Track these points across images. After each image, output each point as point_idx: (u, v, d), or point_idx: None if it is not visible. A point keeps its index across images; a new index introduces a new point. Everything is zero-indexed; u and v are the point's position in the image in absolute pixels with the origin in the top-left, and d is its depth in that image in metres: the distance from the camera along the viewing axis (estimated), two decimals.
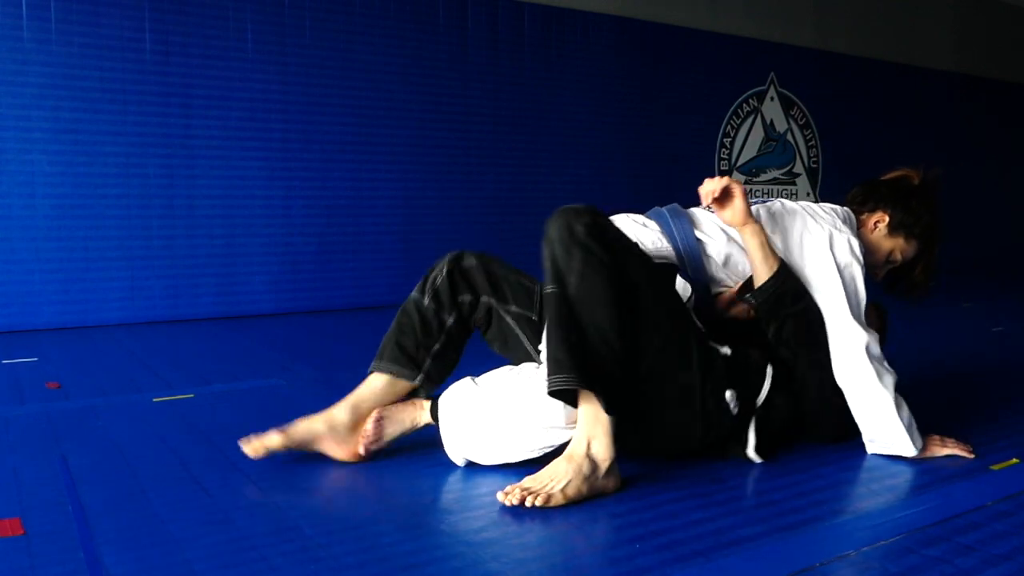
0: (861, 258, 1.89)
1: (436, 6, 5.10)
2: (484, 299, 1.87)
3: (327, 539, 1.45)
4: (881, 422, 1.83)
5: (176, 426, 2.23)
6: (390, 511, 1.60)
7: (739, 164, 6.73)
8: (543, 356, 1.69)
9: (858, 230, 2.02)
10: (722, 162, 6.60)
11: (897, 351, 3.45)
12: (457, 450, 1.82)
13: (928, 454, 1.87)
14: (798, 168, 7.16)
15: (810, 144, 7.19)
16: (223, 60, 4.43)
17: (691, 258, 1.88)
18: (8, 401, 2.53)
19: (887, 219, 2.05)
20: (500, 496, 1.58)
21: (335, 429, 1.82)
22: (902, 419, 1.82)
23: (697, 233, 1.91)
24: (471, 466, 1.87)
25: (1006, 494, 1.68)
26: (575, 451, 1.62)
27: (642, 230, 1.91)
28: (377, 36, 4.89)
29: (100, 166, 4.15)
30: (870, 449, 1.89)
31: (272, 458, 1.93)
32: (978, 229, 8.53)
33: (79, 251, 4.13)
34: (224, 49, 4.43)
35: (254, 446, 1.79)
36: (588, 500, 1.61)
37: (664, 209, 1.96)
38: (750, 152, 6.80)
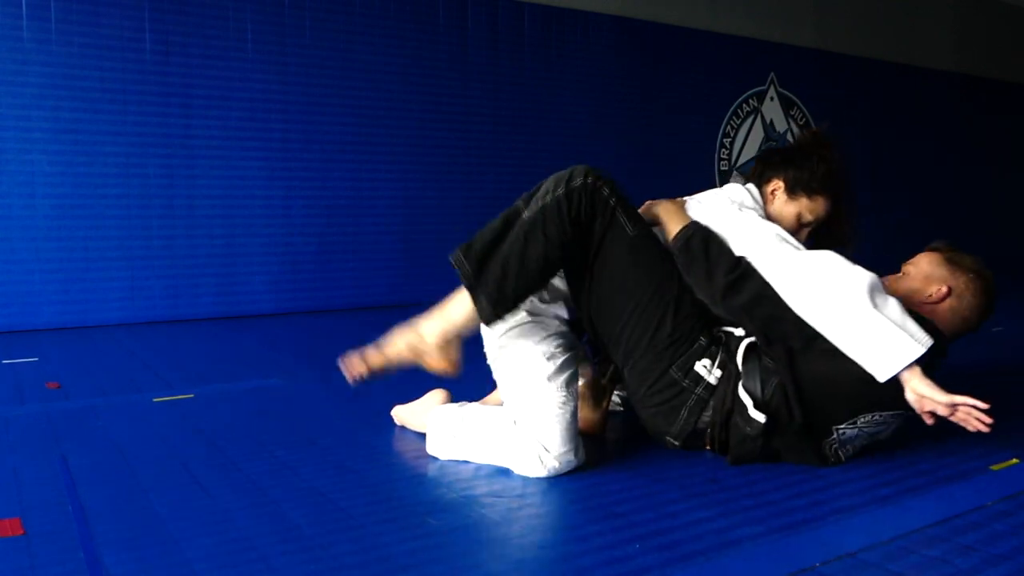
0: (755, 206, 1.97)
1: (436, 6, 5.10)
2: None
3: (327, 539, 1.45)
4: (858, 323, 1.62)
5: (176, 426, 2.23)
6: (390, 511, 1.60)
7: (739, 164, 6.73)
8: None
9: (764, 207, 2.03)
10: (722, 162, 6.61)
11: None
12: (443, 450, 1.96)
13: (929, 394, 1.61)
14: None
15: None
16: (223, 60, 4.43)
17: None
18: (8, 401, 2.53)
19: (781, 184, 2.02)
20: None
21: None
22: (885, 313, 1.62)
23: None
24: (470, 467, 1.87)
25: (1006, 494, 1.68)
26: (414, 322, 1.85)
27: None
28: (377, 36, 4.89)
29: (100, 166, 4.15)
30: (880, 377, 1.62)
31: (272, 458, 1.93)
32: (978, 229, 8.53)
33: (79, 251, 4.13)
34: (224, 49, 4.43)
35: (353, 367, 1.83)
36: (409, 363, 1.85)
37: None
38: (750, 152, 6.80)
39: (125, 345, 3.60)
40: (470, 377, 2.52)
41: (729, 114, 6.64)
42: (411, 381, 2.76)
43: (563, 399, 1.82)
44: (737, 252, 1.80)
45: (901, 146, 7.77)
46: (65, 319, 4.09)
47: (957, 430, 2.11)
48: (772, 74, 6.90)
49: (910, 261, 1.91)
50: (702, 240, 1.80)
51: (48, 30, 3.99)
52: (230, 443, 2.05)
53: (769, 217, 2.00)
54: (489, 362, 2.02)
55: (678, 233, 1.84)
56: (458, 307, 1.82)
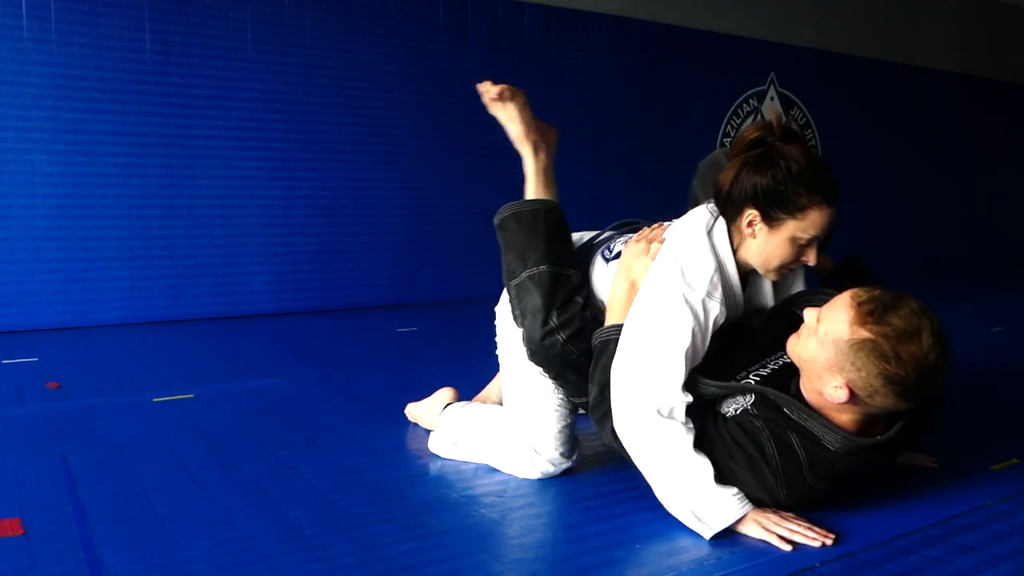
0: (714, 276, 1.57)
1: (436, 6, 5.10)
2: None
3: (327, 539, 1.45)
4: (664, 495, 1.52)
5: (176, 426, 2.23)
6: (390, 511, 1.60)
7: None
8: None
9: (737, 247, 1.63)
10: None
11: None
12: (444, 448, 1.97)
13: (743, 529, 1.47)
14: None
15: (810, 144, 7.20)
16: (223, 60, 4.43)
17: None
18: (8, 401, 2.53)
19: (756, 212, 1.58)
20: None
21: None
22: (684, 494, 1.47)
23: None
24: (470, 467, 1.87)
25: (1006, 494, 1.68)
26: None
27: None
28: (377, 36, 4.89)
29: (100, 166, 4.15)
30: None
31: (272, 458, 1.93)
32: (978, 229, 8.54)
33: (79, 251, 4.13)
34: (224, 49, 4.43)
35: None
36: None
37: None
38: None
39: (125, 345, 3.60)
40: (479, 375, 2.52)
41: (729, 114, 6.64)
42: (410, 377, 2.76)
43: (560, 400, 1.81)
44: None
45: (901, 146, 7.77)
46: (65, 319, 4.09)
47: (956, 430, 2.12)
48: (772, 74, 6.90)
49: (823, 315, 1.46)
50: (598, 359, 1.66)
51: (48, 30, 3.99)
52: (230, 443, 2.05)
53: (751, 258, 1.63)
54: (498, 352, 1.96)
55: (596, 334, 1.70)
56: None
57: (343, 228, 4.86)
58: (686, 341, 1.51)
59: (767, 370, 1.60)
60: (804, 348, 1.47)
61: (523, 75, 5.43)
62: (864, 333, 1.38)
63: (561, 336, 1.73)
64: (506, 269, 1.85)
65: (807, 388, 1.50)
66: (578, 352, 1.72)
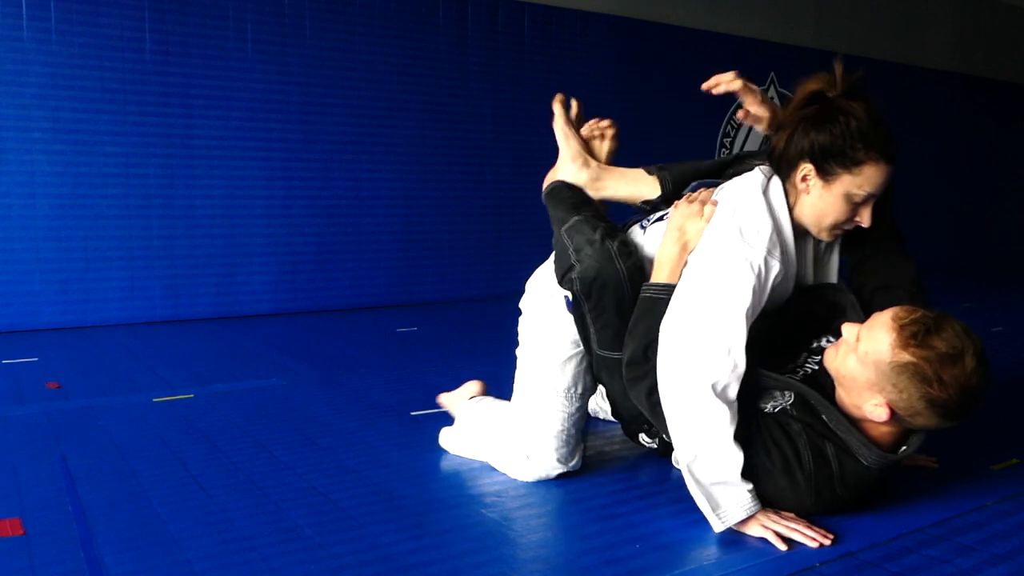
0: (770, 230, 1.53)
1: (436, 6, 5.10)
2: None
3: (327, 539, 1.46)
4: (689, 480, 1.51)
5: (176, 426, 2.23)
6: (390, 511, 1.60)
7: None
8: None
9: (793, 205, 1.61)
10: None
11: None
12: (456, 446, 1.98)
13: (745, 530, 1.48)
14: None
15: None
16: (223, 60, 4.43)
17: None
18: (8, 401, 2.53)
19: (810, 167, 1.58)
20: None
21: None
22: (710, 479, 1.46)
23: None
24: (470, 467, 1.87)
25: (1006, 494, 1.69)
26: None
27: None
28: (377, 36, 4.88)
29: (100, 166, 4.15)
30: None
31: (272, 458, 1.93)
32: (978, 229, 8.53)
33: (79, 251, 4.13)
34: (224, 49, 4.43)
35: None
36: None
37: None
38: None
39: (125, 345, 3.60)
40: (478, 376, 2.52)
41: (729, 114, 6.64)
42: (410, 378, 2.77)
43: (564, 404, 1.78)
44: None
45: (901, 146, 7.75)
46: (65, 319, 4.09)
47: (956, 431, 2.12)
48: (772, 74, 6.90)
49: (863, 334, 1.44)
50: (642, 316, 1.60)
51: (48, 30, 3.99)
52: (230, 443, 2.05)
53: (805, 216, 1.61)
54: (519, 335, 1.89)
55: (644, 287, 1.63)
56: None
57: (343, 228, 4.86)
58: (747, 301, 1.47)
59: (800, 373, 1.60)
60: (843, 364, 1.46)
61: (523, 75, 5.43)
62: (906, 356, 1.38)
63: (621, 265, 1.64)
64: (556, 220, 1.80)
65: (845, 401, 1.49)
66: (632, 290, 1.63)
